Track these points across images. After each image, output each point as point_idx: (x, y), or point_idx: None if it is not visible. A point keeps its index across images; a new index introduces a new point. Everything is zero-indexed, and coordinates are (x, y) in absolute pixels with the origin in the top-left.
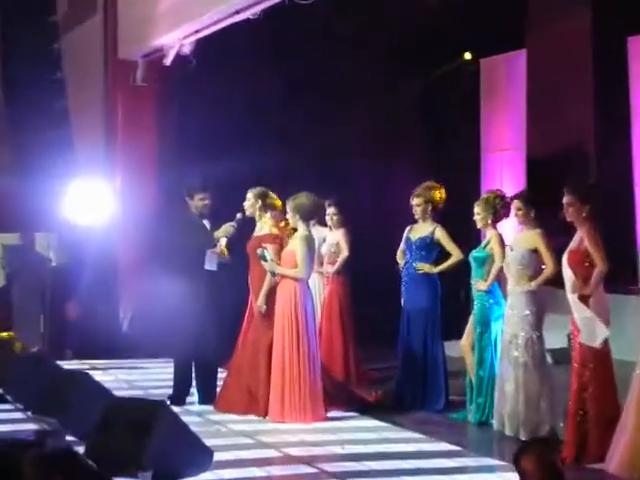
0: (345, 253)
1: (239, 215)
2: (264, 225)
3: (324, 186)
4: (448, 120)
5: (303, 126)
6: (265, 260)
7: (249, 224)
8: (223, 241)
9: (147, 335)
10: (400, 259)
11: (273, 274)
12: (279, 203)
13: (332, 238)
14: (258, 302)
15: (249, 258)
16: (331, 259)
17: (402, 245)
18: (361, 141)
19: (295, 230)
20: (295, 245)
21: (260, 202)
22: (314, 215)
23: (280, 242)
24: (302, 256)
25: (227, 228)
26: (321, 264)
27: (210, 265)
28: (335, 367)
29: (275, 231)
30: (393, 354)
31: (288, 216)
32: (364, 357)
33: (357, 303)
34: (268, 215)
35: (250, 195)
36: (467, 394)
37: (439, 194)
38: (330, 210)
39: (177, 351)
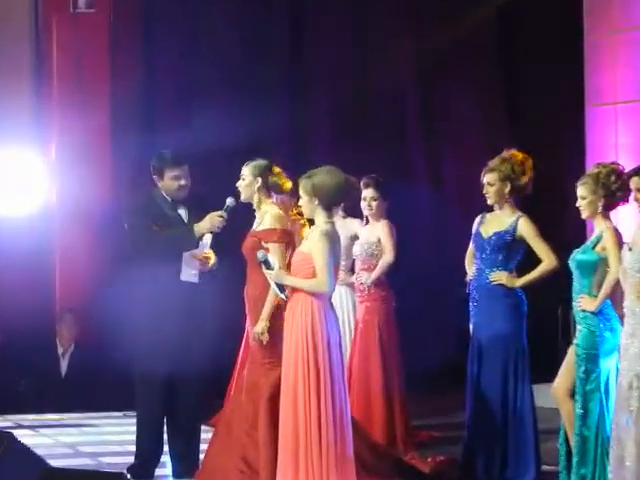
0: (388, 256)
1: (230, 200)
2: (266, 215)
3: (357, 158)
4: (534, 59)
5: (323, 69)
6: (268, 267)
7: (245, 214)
8: (207, 239)
9: (97, 378)
10: (469, 265)
11: (281, 288)
12: (288, 183)
13: (369, 234)
14: (257, 328)
15: (245, 264)
16: (367, 264)
17: (471, 245)
18: (411, 90)
19: (312, 223)
20: (312, 245)
21: (260, 181)
22: (341, 200)
23: (290, 240)
24: (323, 260)
25: (213, 220)
26: (352, 272)
27: (188, 275)
28: (373, 424)
29: (281, 225)
30: (458, 404)
31: (302, 202)
32: (415, 409)
33: (405, 329)
34: (272, 200)
35: (246, 171)
36: (563, 462)
37: (523, 168)
38: (367, 193)
39: (142, 401)
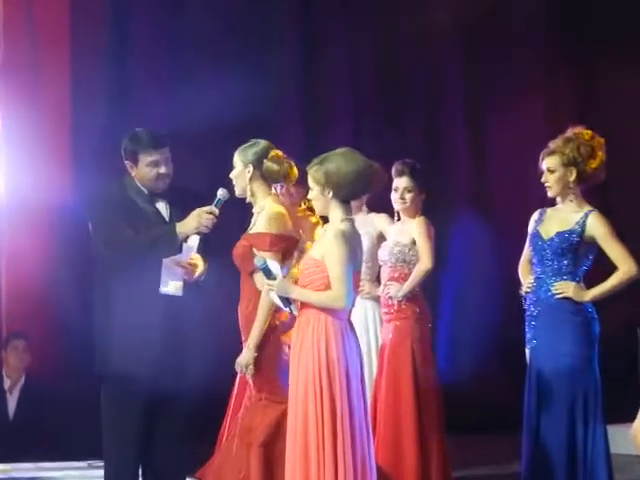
0: (425, 262)
1: (222, 193)
2: (261, 214)
3: (381, 142)
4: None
5: (342, 30)
6: (269, 277)
7: (240, 209)
8: (194, 242)
9: (54, 418)
10: (524, 275)
11: (286, 301)
12: (293, 170)
13: (400, 234)
14: (240, 359)
15: (239, 274)
16: (397, 272)
17: (527, 249)
18: (453, 60)
19: (326, 221)
20: (326, 248)
21: (252, 169)
22: (362, 192)
23: (290, 247)
24: (339, 268)
25: (201, 217)
26: (377, 282)
27: (169, 287)
28: (403, 474)
29: (277, 227)
30: (512, 450)
31: (311, 195)
32: (456, 456)
33: (443, 356)
34: (273, 192)
35: (235, 157)
36: None
37: (592, 150)
38: (401, 182)
39: (111, 447)
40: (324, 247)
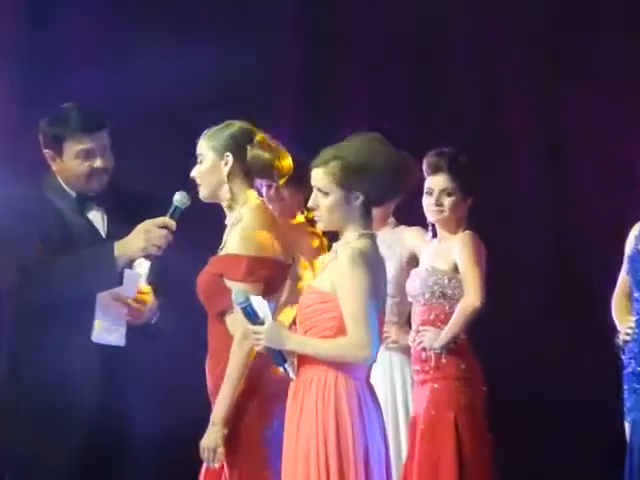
0: (472, 298)
1: (180, 198)
2: (235, 227)
3: (410, 124)
4: None
5: None
6: (253, 320)
7: (208, 220)
8: (141, 268)
9: None
10: (620, 315)
11: (280, 357)
12: (287, 163)
13: (436, 258)
14: (204, 441)
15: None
16: (434, 311)
17: (623, 277)
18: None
19: (332, 237)
20: (338, 276)
21: (231, 160)
22: (395, 194)
23: (282, 271)
24: (359, 303)
25: (151, 233)
26: (407, 325)
27: (107, 333)
28: None
29: (256, 247)
30: None
31: (325, 201)
32: None
33: (501, 431)
34: (256, 196)
35: (203, 145)
36: None
37: None
38: (436, 182)
39: None
40: (335, 274)
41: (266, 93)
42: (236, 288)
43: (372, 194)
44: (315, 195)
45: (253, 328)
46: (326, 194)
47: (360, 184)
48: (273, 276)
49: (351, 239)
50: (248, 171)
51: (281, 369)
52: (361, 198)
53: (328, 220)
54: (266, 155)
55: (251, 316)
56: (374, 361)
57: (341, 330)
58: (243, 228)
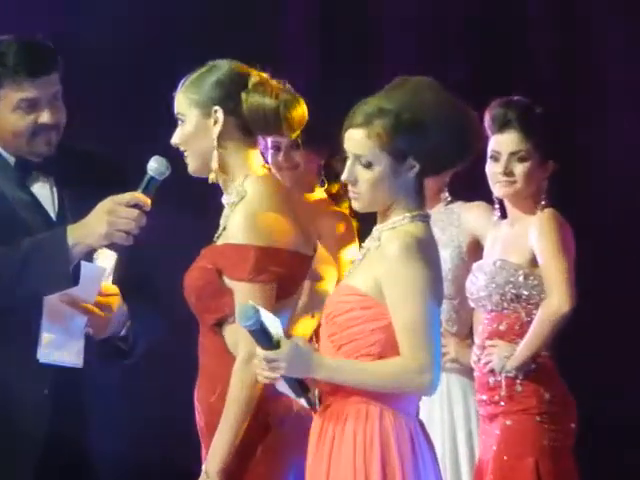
0: (557, 300)
1: (155, 165)
2: (237, 207)
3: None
4: None
5: None
6: (266, 343)
7: (198, 196)
8: (105, 262)
9: None
10: None
11: (299, 389)
12: (299, 110)
13: (506, 247)
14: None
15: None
16: (503, 322)
17: None
18: None
19: (363, 219)
20: (385, 271)
21: (222, 116)
22: (459, 159)
23: (303, 266)
24: (417, 309)
25: (117, 213)
26: (469, 336)
27: (57, 350)
28: None
29: (268, 234)
30: None
31: (349, 174)
32: None
33: (598, 474)
34: (259, 164)
35: (188, 93)
36: None
37: None
38: (504, 143)
39: None
40: (382, 270)
41: (271, 26)
42: (241, 294)
43: (430, 161)
44: (352, 165)
45: (266, 355)
46: (369, 164)
47: (417, 148)
48: (290, 274)
49: (399, 222)
50: (246, 128)
51: (303, 402)
52: (417, 167)
53: (370, 199)
54: (268, 101)
55: (263, 339)
56: (435, 390)
57: (389, 346)
58: (247, 208)
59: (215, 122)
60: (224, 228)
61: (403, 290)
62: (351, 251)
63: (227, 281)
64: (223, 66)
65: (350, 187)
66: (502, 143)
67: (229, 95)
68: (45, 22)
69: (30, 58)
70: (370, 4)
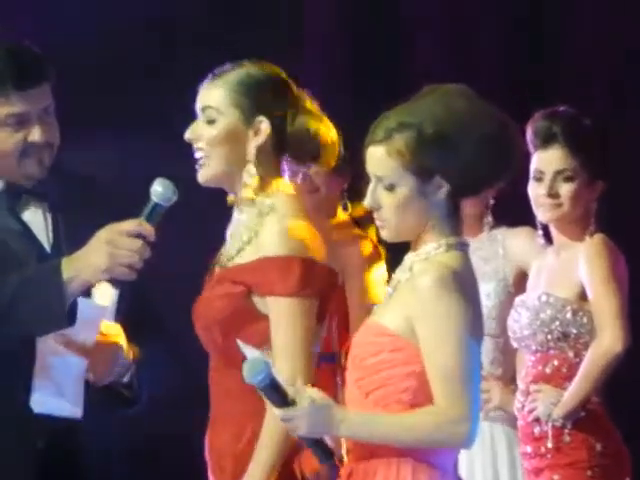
0: (609, 339)
1: (160, 189)
2: (268, 221)
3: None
4: None
5: None
6: (278, 400)
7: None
8: (105, 299)
9: None
10: None
11: (319, 450)
12: (334, 136)
13: (553, 278)
14: None
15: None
16: (549, 364)
17: None
18: None
19: (392, 249)
20: (418, 309)
21: (264, 127)
22: (496, 178)
23: (335, 289)
24: (453, 351)
25: (118, 244)
26: (512, 382)
27: (52, 396)
28: None
29: (308, 247)
30: None
31: (372, 199)
32: None
33: None
34: (288, 185)
35: (230, 87)
36: None
37: None
38: (546, 161)
39: None
40: (413, 306)
41: (296, 40)
42: (283, 311)
43: (462, 180)
44: (374, 188)
45: (281, 414)
46: (392, 186)
47: (444, 165)
48: (327, 293)
49: (433, 251)
50: (282, 148)
51: (326, 460)
52: (446, 187)
53: (398, 226)
54: (316, 126)
55: (276, 396)
56: (474, 442)
57: (423, 393)
58: (281, 220)
59: (256, 133)
60: (241, 248)
61: (436, 330)
62: (379, 271)
63: (257, 302)
64: (277, 73)
65: (375, 214)
66: (546, 161)
67: (278, 107)
68: (30, 25)
69: (17, 67)
70: (401, 7)
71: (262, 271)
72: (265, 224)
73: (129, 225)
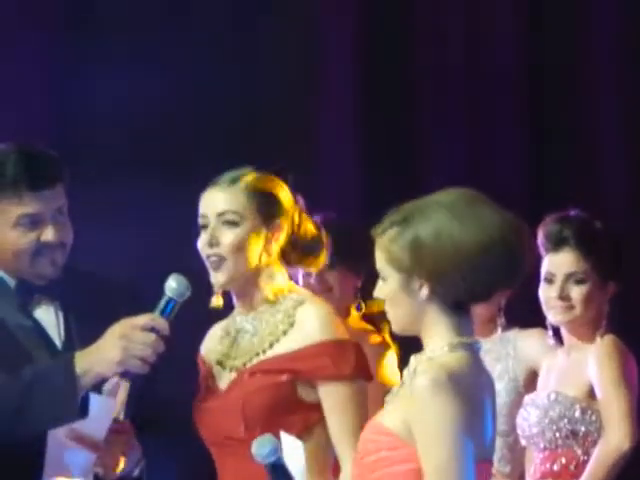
0: (616, 437)
1: (174, 285)
2: (307, 308)
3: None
4: None
5: None
6: (281, 478)
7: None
8: (116, 393)
9: None
10: None
11: None
12: (322, 238)
13: (563, 379)
14: None
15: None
16: (557, 462)
17: None
18: None
19: (403, 344)
20: (412, 410)
21: (262, 220)
22: (498, 285)
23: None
24: (446, 454)
25: (131, 338)
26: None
27: None
28: None
29: (346, 332)
30: None
31: (382, 290)
32: None
33: None
34: (296, 286)
35: (248, 192)
36: None
37: None
38: (557, 264)
39: None
40: (411, 408)
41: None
42: (341, 394)
43: (450, 284)
44: (380, 281)
45: None
46: (384, 279)
47: (426, 267)
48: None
49: (437, 351)
50: (288, 251)
51: None
52: (427, 288)
53: (394, 319)
54: (319, 233)
55: (282, 476)
56: None
57: None
58: (317, 307)
59: (274, 235)
60: (284, 334)
61: (430, 431)
62: (389, 363)
63: (302, 390)
64: (275, 179)
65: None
66: (557, 263)
67: (287, 212)
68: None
69: (31, 169)
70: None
71: (315, 357)
72: (303, 314)
73: (143, 319)
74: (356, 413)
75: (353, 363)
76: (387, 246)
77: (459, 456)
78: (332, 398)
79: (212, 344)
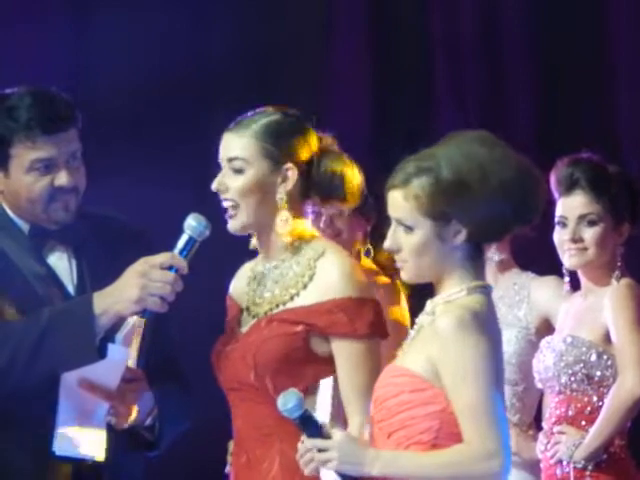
0: (631, 383)
1: (194, 223)
2: (328, 259)
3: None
4: None
5: None
6: (314, 432)
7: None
8: (134, 333)
9: None
10: None
11: None
12: (359, 180)
13: (577, 324)
14: None
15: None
16: (572, 407)
17: None
18: None
19: (414, 290)
20: (438, 350)
21: (291, 173)
22: (519, 223)
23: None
24: (476, 392)
25: (150, 277)
26: (534, 428)
27: (74, 439)
28: None
29: (370, 288)
30: None
31: (409, 238)
32: None
33: None
34: (314, 231)
35: (256, 136)
36: None
37: None
38: (570, 206)
39: None
40: (436, 348)
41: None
42: (355, 353)
43: (481, 225)
44: (394, 231)
45: (316, 443)
46: (410, 229)
47: (461, 211)
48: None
49: (455, 295)
50: (309, 191)
51: None
52: (464, 232)
53: (416, 267)
54: (339, 169)
55: (312, 428)
56: (507, 476)
57: (443, 434)
58: (340, 261)
59: (284, 180)
60: (304, 287)
61: (460, 371)
62: (400, 308)
63: (315, 343)
64: (300, 118)
65: (395, 256)
66: (569, 206)
67: (304, 154)
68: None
69: (45, 112)
70: (427, 53)
71: (331, 313)
72: (323, 267)
73: (162, 258)
74: (368, 371)
75: (369, 321)
76: (418, 195)
77: (492, 393)
78: (345, 355)
79: (240, 285)
